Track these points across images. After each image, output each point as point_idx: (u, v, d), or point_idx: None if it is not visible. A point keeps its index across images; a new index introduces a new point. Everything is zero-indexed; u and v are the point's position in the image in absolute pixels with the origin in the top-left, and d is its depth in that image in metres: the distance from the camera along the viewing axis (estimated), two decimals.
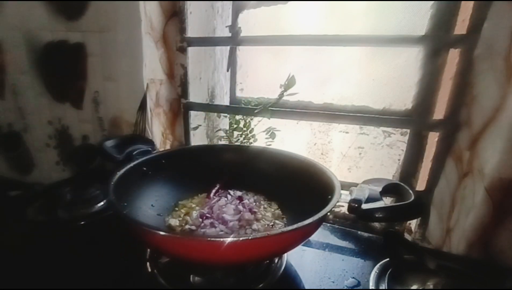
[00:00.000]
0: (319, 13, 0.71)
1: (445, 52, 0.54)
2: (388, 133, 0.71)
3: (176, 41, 0.73)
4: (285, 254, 0.49)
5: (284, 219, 0.53)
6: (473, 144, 0.49)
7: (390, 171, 0.71)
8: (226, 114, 0.86)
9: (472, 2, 0.49)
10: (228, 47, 0.80)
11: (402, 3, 0.61)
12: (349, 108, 0.72)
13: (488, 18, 0.46)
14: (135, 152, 0.61)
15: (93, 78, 0.74)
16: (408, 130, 0.63)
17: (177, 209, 0.55)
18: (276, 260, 0.48)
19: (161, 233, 0.37)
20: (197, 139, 0.82)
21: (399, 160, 0.69)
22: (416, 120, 0.61)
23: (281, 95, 0.68)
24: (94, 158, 0.75)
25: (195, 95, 0.78)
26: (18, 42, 0.78)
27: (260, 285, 0.43)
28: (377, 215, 0.41)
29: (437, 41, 0.55)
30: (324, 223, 0.60)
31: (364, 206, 0.41)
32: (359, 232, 0.60)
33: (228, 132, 0.85)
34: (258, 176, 0.61)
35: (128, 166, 0.50)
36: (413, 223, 0.63)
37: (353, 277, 0.46)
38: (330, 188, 0.44)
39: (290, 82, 0.66)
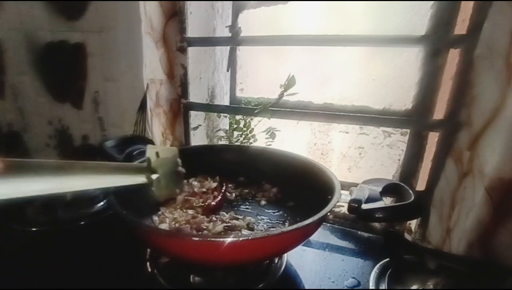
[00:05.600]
0: (319, 13, 0.71)
1: (445, 52, 0.54)
2: (388, 133, 0.71)
3: (176, 41, 0.74)
4: (285, 254, 0.49)
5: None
6: (473, 144, 0.49)
7: (390, 171, 0.71)
8: (226, 114, 0.86)
9: (472, 2, 0.49)
10: (228, 47, 0.80)
11: (402, 3, 0.61)
12: (349, 108, 0.72)
13: (488, 18, 0.46)
14: (135, 152, 0.60)
15: (93, 78, 0.74)
16: (408, 130, 0.63)
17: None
18: (276, 260, 0.48)
19: (161, 233, 0.38)
20: (197, 139, 0.82)
21: (399, 160, 0.69)
22: (416, 120, 0.61)
23: (281, 95, 0.68)
24: (94, 158, 0.75)
25: (195, 95, 0.78)
26: (18, 42, 0.78)
27: (260, 285, 0.43)
28: (377, 215, 0.41)
29: (437, 41, 0.55)
30: (324, 223, 0.60)
31: (364, 206, 0.42)
32: (359, 232, 0.60)
33: (228, 132, 0.85)
34: (258, 176, 0.61)
35: None
36: (413, 223, 0.63)
37: (353, 277, 0.46)
38: (330, 188, 0.44)
39: (290, 82, 0.66)
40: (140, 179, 0.35)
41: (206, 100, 0.83)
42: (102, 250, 0.52)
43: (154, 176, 0.36)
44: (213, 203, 0.52)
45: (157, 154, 0.38)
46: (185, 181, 0.55)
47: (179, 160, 0.40)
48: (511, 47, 0.43)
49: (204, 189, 0.56)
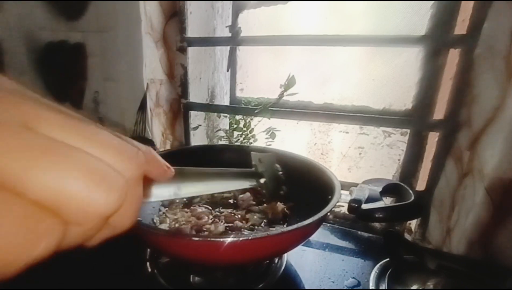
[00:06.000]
0: (319, 13, 0.70)
1: (445, 52, 0.54)
2: (388, 133, 0.71)
3: (176, 41, 0.73)
4: (285, 254, 0.49)
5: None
6: (473, 144, 0.49)
7: (390, 171, 0.71)
8: (226, 114, 0.86)
9: (472, 2, 0.49)
10: (228, 47, 0.80)
11: (402, 3, 0.61)
12: (349, 108, 0.72)
13: (488, 18, 0.46)
14: None
15: (93, 78, 0.74)
16: (408, 130, 0.63)
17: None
18: (276, 260, 0.48)
19: (162, 233, 0.38)
20: (197, 139, 0.82)
21: (399, 160, 0.69)
22: (416, 120, 0.61)
23: (281, 95, 0.68)
24: None
25: (195, 95, 0.78)
26: (18, 42, 0.78)
27: (260, 285, 0.43)
28: (377, 215, 0.41)
29: (437, 41, 0.55)
30: (324, 223, 0.60)
31: (364, 206, 0.42)
32: (359, 232, 0.60)
33: (228, 132, 0.85)
34: None
35: None
36: (413, 223, 0.63)
37: (353, 277, 0.46)
38: (330, 188, 0.44)
39: (290, 82, 0.66)
40: (252, 183, 0.40)
41: (206, 100, 0.83)
42: (102, 250, 0.52)
43: (262, 180, 0.41)
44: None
45: (259, 160, 0.43)
46: None
47: (277, 165, 0.46)
48: (511, 47, 0.43)
49: None
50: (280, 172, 0.45)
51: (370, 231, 0.61)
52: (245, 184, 0.39)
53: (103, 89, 0.74)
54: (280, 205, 0.54)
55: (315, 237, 0.57)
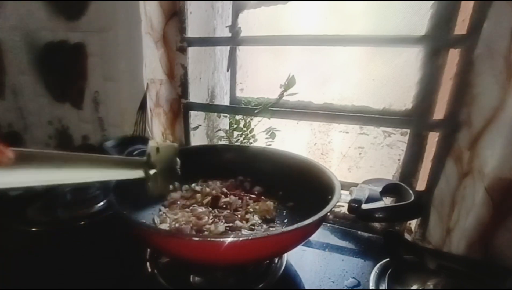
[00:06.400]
0: (319, 13, 0.71)
1: (445, 52, 0.54)
2: (388, 133, 0.71)
3: (176, 41, 0.74)
4: (285, 254, 0.49)
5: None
6: (473, 144, 0.49)
7: (390, 171, 0.71)
8: (226, 114, 0.86)
9: (472, 2, 0.49)
10: (228, 47, 0.80)
11: (402, 3, 0.61)
12: (349, 108, 0.72)
13: (488, 18, 0.46)
14: (135, 152, 0.61)
15: (93, 78, 0.74)
16: (408, 130, 0.63)
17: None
18: (276, 260, 0.48)
19: (161, 233, 0.38)
20: (197, 139, 0.82)
21: (399, 160, 0.69)
22: (416, 120, 0.60)
23: (281, 95, 0.68)
24: None
25: (195, 95, 0.78)
26: (18, 42, 0.78)
27: (260, 285, 0.43)
28: (377, 215, 0.41)
29: (437, 41, 0.54)
30: (324, 223, 0.60)
31: (364, 206, 0.42)
32: (359, 232, 0.60)
33: (228, 132, 0.85)
34: (258, 176, 0.61)
35: None
36: (413, 223, 0.63)
37: (353, 277, 0.46)
38: (330, 188, 0.44)
39: (290, 82, 0.66)
40: (138, 173, 0.36)
41: (206, 100, 0.83)
42: (102, 250, 0.52)
43: (151, 171, 0.37)
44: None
45: (157, 149, 0.39)
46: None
47: (178, 159, 0.41)
48: (511, 47, 0.43)
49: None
50: (178, 167, 0.41)
51: (370, 231, 0.61)
52: (128, 174, 0.35)
53: (103, 89, 0.74)
54: (271, 204, 0.54)
55: (315, 237, 0.57)
